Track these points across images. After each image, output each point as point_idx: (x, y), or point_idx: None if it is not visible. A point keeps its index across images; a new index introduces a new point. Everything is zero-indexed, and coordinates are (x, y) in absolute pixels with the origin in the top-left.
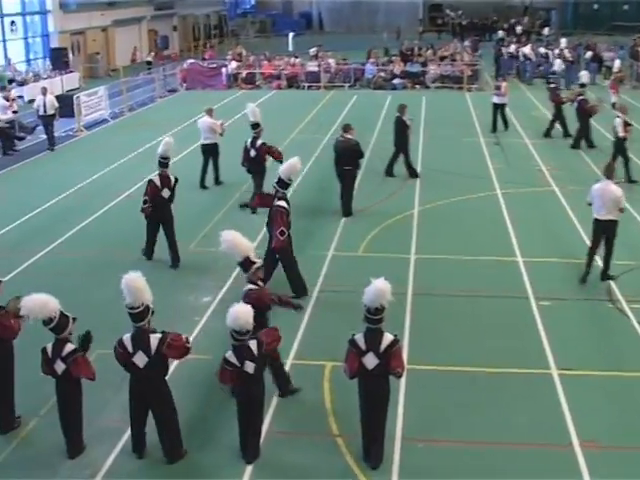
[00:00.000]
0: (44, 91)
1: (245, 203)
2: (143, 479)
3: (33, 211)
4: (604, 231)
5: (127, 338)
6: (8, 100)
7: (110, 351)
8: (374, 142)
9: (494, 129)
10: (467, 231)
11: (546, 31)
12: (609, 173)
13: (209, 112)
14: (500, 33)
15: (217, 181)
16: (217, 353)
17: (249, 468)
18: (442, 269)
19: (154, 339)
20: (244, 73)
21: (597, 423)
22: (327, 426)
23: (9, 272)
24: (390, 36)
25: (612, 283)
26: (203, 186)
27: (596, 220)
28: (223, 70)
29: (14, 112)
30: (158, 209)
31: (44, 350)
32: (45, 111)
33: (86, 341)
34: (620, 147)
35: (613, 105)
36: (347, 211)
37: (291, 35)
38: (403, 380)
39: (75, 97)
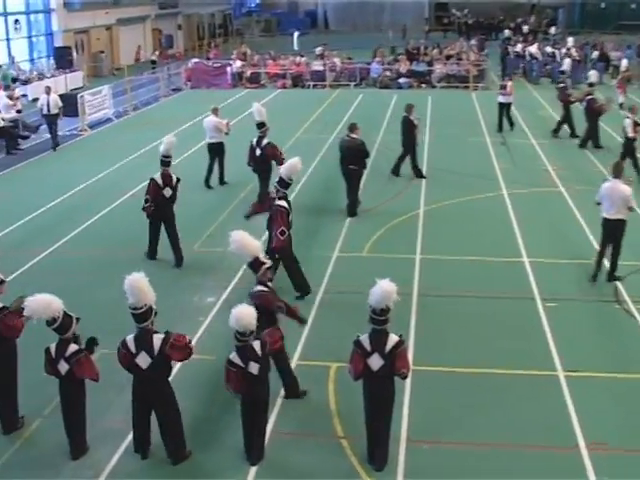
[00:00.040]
0: (48, 90)
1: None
2: None
3: (37, 210)
4: (613, 230)
5: (130, 339)
6: (12, 99)
7: (114, 352)
8: (380, 141)
9: (500, 129)
10: (473, 231)
11: (553, 30)
12: (617, 172)
13: (215, 111)
14: (506, 32)
15: (222, 181)
16: (221, 354)
17: (253, 469)
18: (448, 270)
19: (157, 339)
20: (249, 72)
21: (604, 425)
22: (332, 427)
23: (13, 272)
24: (396, 35)
25: (619, 284)
26: (208, 185)
27: (605, 219)
28: (228, 69)
29: (18, 111)
30: (160, 208)
31: (48, 350)
32: (49, 110)
33: (92, 344)
34: (629, 147)
35: (620, 105)
36: (352, 211)
37: (296, 34)
38: (408, 381)
39: (79, 96)
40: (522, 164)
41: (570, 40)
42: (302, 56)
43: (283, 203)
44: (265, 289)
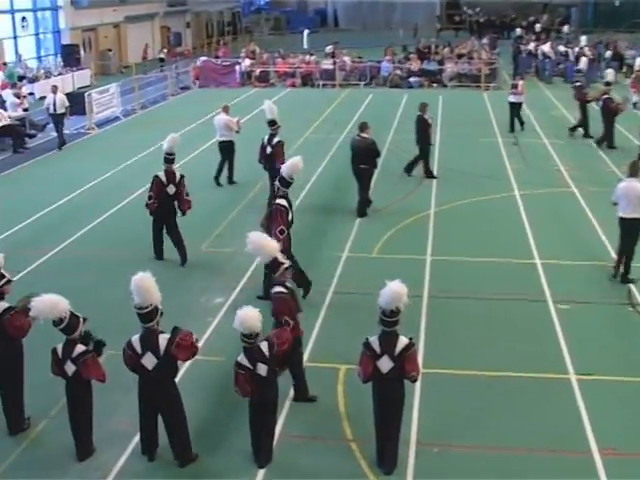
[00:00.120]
0: (54, 89)
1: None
2: None
3: (44, 209)
4: (629, 230)
5: (136, 339)
6: (19, 97)
7: (121, 352)
8: (390, 141)
9: (512, 129)
10: (484, 232)
11: (566, 29)
12: (634, 171)
13: (225, 109)
14: (518, 31)
15: (230, 180)
16: (230, 355)
17: (261, 472)
18: (459, 271)
19: (163, 340)
20: (258, 71)
21: (617, 429)
22: (341, 430)
23: (20, 271)
24: (407, 33)
25: (632, 286)
26: (218, 183)
27: (621, 219)
28: (236, 68)
29: (25, 109)
30: (163, 205)
31: (54, 351)
32: (55, 109)
33: (100, 347)
34: None
35: (634, 105)
36: (362, 211)
37: (306, 32)
38: (418, 384)
39: (86, 94)
40: (534, 164)
41: (583, 39)
42: (312, 55)
43: (283, 202)
44: (284, 290)
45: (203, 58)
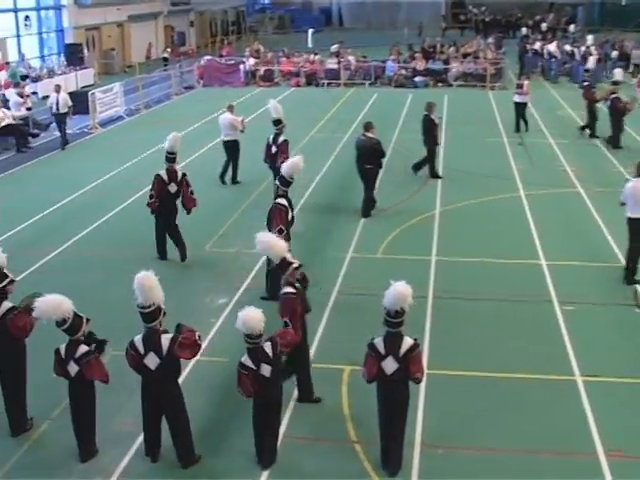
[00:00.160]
0: (57, 89)
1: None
2: None
3: (48, 209)
4: (636, 230)
5: (138, 339)
6: (22, 96)
7: (124, 353)
8: (395, 140)
9: (517, 129)
10: (489, 233)
11: (572, 28)
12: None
13: (230, 108)
14: (524, 30)
15: (234, 180)
16: (233, 356)
17: (265, 473)
18: (464, 272)
19: (165, 339)
20: (262, 70)
21: (623, 431)
22: (345, 431)
23: (23, 271)
24: (411, 33)
25: (638, 287)
26: (223, 181)
27: (629, 219)
28: (241, 67)
29: (28, 109)
30: (165, 204)
31: (57, 351)
32: (58, 109)
33: (102, 345)
34: None
35: None
36: (366, 212)
37: (310, 31)
38: (423, 385)
39: (90, 94)
40: (540, 164)
41: (589, 38)
42: (316, 54)
43: (283, 201)
44: (292, 291)
45: (207, 57)
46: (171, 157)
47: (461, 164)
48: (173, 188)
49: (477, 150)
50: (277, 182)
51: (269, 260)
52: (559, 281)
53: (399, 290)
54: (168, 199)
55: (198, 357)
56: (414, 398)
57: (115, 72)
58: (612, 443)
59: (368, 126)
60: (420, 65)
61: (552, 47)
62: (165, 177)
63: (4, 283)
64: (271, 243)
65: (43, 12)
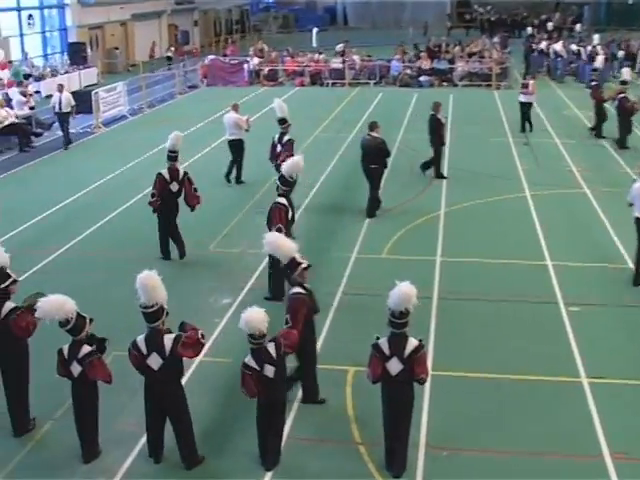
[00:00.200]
0: (60, 88)
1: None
2: None
3: (51, 209)
4: None
5: (141, 339)
6: (25, 96)
7: (127, 353)
8: (400, 140)
9: (523, 129)
10: (495, 233)
11: (578, 27)
12: None
13: (235, 107)
14: (529, 29)
15: (238, 180)
16: (237, 356)
17: (268, 475)
18: (469, 272)
19: (168, 340)
20: (266, 69)
21: (629, 434)
22: (349, 433)
23: (26, 270)
24: (416, 32)
25: None
26: (228, 180)
27: (637, 219)
28: (245, 66)
29: (31, 108)
30: (166, 203)
31: (60, 351)
32: (61, 108)
33: (102, 344)
34: None
35: None
36: (371, 212)
37: (315, 31)
38: (427, 386)
39: (93, 93)
40: (546, 164)
41: (596, 37)
42: (321, 53)
43: (282, 200)
44: (302, 291)
45: (211, 56)
46: (173, 156)
47: (466, 164)
48: (175, 187)
49: (482, 150)
50: (278, 181)
51: (271, 260)
52: (565, 282)
53: (404, 291)
54: (170, 198)
55: (202, 357)
56: (419, 399)
57: (118, 71)
58: (618, 445)
59: (373, 125)
60: (425, 64)
61: (558, 46)
62: (167, 176)
63: (7, 283)
64: (279, 243)
65: (46, 11)
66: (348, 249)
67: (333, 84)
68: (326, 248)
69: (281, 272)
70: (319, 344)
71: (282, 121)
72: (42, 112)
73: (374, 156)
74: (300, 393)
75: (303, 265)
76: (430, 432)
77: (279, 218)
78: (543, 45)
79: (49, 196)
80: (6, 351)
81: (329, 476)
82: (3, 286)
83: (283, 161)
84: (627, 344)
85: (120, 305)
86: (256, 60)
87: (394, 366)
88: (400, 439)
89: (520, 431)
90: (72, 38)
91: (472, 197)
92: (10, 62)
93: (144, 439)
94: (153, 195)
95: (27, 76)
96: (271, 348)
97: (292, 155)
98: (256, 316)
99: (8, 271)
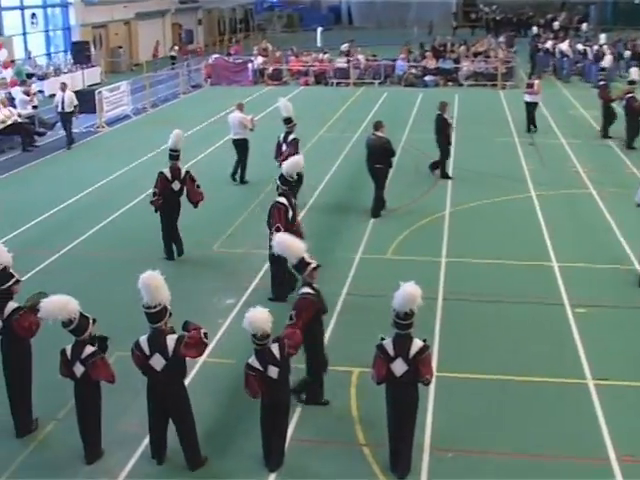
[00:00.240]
0: (63, 87)
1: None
2: None
3: (53, 209)
4: None
5: (144, 340)
6: (28, 95)
7: (130, 353)
8: (405, 140)
9: (528, 129)
10: (500, 234)
11: (584, 27)
12: None
13: (239, 107)
14: (535, 29)
15: (242, 180)
16: (241, 357)
17: (272, 476)
18: (474, 273)
19: (171, 340)
20: (270, 69)
21: (636, 436)
22: (353, 434)
23: (29, 270)
24: (421, 31)
25: None
26: (234, 178)
27: None
28: (249, 66)
29: (34, 107)
30: (168, 202)
31: (63, 352)
32: (63, 108)
33: (103, 343)
34: None
35: None
36: (375, 212)
37: (319, 30)
38: (432, 387)
39: (97, 92)
40: (551, 165)
41: (602, 37)
42: (325, 53)
43: (282, 200)
44: (311, 291)
45: (215, 56)
46: (174, 154)
47: (471, 164)
48: (177, 186)
49: (488, 150)
50: (278, 181)
51: (271, 259)
52: (570, 283)
53: (408, 291)
54: (171, 197)
55: (205, 358)
56: (423, 400)
57: (122, 70)
58: (624, 447)
59: (378, 125)
60: (430, 64)
61: (564, 46)
62: (168, 175)
63: (10, 283)
64: (288, 243)
65: (50, 10)
66: (352, 249)
67: (338, 84)
68: (330, 248)
69: (281, 271)
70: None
71: (287, 120)
72: (45, 111)
73: (379, 156)
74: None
75: (312, 265)
76: (435, 433)
77: (278, 217)
78: (549, 44)
79: (52, 196)
80: (9, 351)
81: (333, 477)
82: (6, 286)
83: (284, 160)
84: (633, 346)
85: (123, 305)
86: (260, 59)
87: (399, 367)
88: (405, 440)
89: (525, 433)
90: (75, 37)
91: (477, 197)
92: (12, 61)
93: (147, 440)
94: (155, 194)
95: (30, 75)
96: (275, 349)
97: (293, 154)
98: (260, 316)
99: (11, 271)
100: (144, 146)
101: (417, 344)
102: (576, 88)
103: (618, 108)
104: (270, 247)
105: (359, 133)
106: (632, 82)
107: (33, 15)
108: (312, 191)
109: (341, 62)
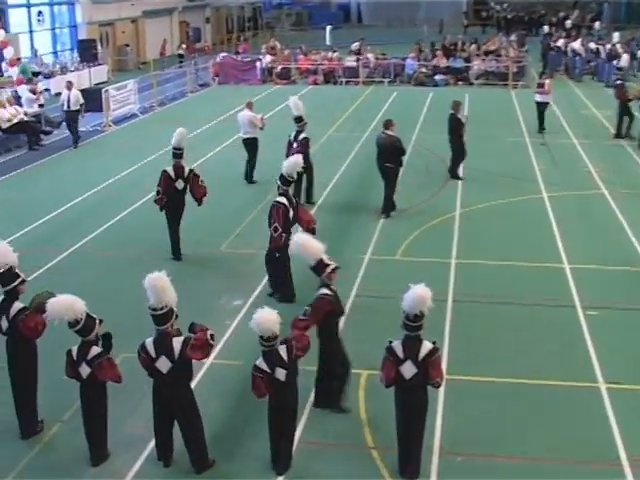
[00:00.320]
0: (69, 85)
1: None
2: None
3: (60, 208)
4: None
5: (149, 342)
6: (35, 93)
7: (136, 355)
8: (415, 139)
9: (540, 129)
10: (510, 235)
11: (597, 25)
12: None
13: (249, 105)
14: (546, 27)
15: (250, 179)
16: (248, 359)
17: (280, 479)
18: (484, 275)
19: (177, 343)
20: (279, 68)
21: None
22: (362, 437)
23: (35, 270)
24: (431, 30)
25: None
26: (246, 179)
27: None
28: (257, 64)
29: (40, 106)
30: (172, 201)
31: (69, 352)
32: (69, 107)
33: (107, 341)
34: None
35: None
36: (387, 210)
37: (328, 28)
38: (442, 390)
39: (103, 91)
40: (563, 165)
41: (616, 35)
42: (334, 51)
43: (282, 200)
44: (329, 292)
45: (223, 54)
46: (178, 153)
47: (482, 164)
48: (180, 185)
49: (498, 150)
50: (278, 181)
51: (269, 259)
52: (582, 285)
53: (418, 293)
54: (175, 196)
55: (212, 360)
56: (433, 403)
57: (129, 69)
58: (636, 451)
59: (388, 124)
60: (441, 63)
61: (576, 45)
62: (172, 173)
63: (15, 283)
64: (307, 244)
65: (56, 7)
66: (362, 250)
67: (347, 82)
68: (339, 249)
69: (282, 272)
70: None
71: (298, 119)
72: (51, 110)
73: (389, 154)
74: (311, 397)
75: (331, 266)
76: (444, 437)
77: (277, 217)
78: (561, 43)
79: (59, 195)
80: (14, 352)
81: None
82: (12, 286)
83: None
84: None
85: (130, 305)
86: (269, 58)
87: (408, 370)
88: (414, 443)
89: (536, 436)
90: (82, 35)
91: (488, 198)
92: (19, 59)
93: (153, 442)
94: (158, 192)
95: (36, 74)
96: (282, 351)
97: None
98: (268, 317)
99: (17, 271)
100: (151, 145)
101: (427, 346)
102: (588, 87)
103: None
104: (268, 247)
105: (368, 132)
106: None
107: (39, 13)
108: (322, 190)
109: (350, 61)
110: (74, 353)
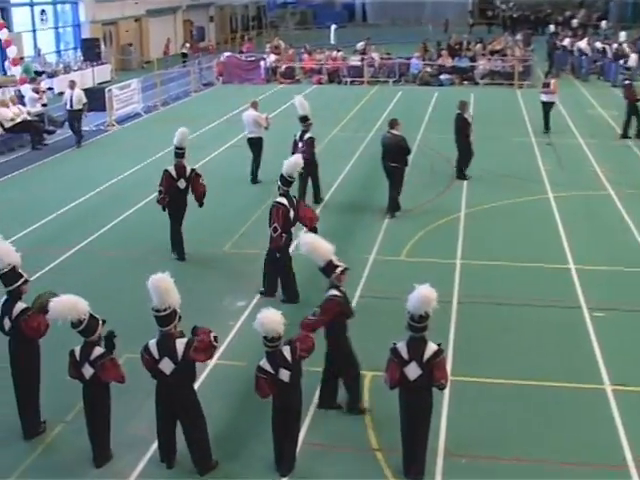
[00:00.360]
0: (72, 85)
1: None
2: None
3: (63, 207)
4: None
5: (153, 344)
6: (38, 92)
7: (139, 356)
8: (420, 139)
9: (546, 129)
10: (516, 235)
11: (604, 24)
12: None
13: (254, 105)
14: (552, 27)
15: (255, 179)
16: (252, 360)
17: None
18: (489, 276)
19: (180, 344)
20: (283, 67)
21: None
22: (366, 439)
23: (38, 270)
24: (436, 29)
25: None
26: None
27: None
28: (261, 64)
29: (43, 105)
30: (174, 200)
31: (72, 353)
32: (72, 106)
33: (110, 341)
34: None
35: None
36: (392, 210)
37: (333, 27)
38: (447, 391)
39: (107, 90)
40: (569, 165)
41: (622, 35)
42: (339, 50)
43: (282, 200)
44: (338, 294)
45: (227, 53)
46: (180, 152)
47: (487, 164)
48: (182, 184)
49: (504, 150)
50: (278, 181)
51: (269, 260)
52: (588, 286)
53: (423, 294)
54: (177, 196)
55: (216, 361)
56: (438, 405)
57: (133, 68)
58: None
59: (393, 123)
60: (446, 62)
61: (583, 44)
62: (174, 173)
63: (18, 283)
64: (316, 245)
65: (59, 6)
66: (366, 250)
67: (351, 82)
68: (344, 249)
69: (283, 272)
70: None
71: (304, 119)
72: (55, 109)
73: (395, 154)
74: (315, 398)
75: (341, 268)
76: (449, 438)
77: (276, 217)
78: (567, 42)
79: (62, 194)
80: (17, 352)
81: None
82: (14, 286)
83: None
84: None
85: (134, 305)
86: (273, 57)
87: (412, 371)
88: (418, 445)
89: (541, 438)
90: (85, 34)
91: (493, 198)
92: (22, 58)
93: (157, 443)
94: (160, 192)
95: (39, 73)
96: (286, 352)
97: (306, 152)
98: (272, 318)
99: (19, 271)
100: (155, 144)
101: (431, 348)
102: (595, 87)
103: None
104: (269, 247)
105: (373, 132)
106: None
107: (43, 12)
108: (326, 190)
109: (355, 60)
110: (77, 353)
